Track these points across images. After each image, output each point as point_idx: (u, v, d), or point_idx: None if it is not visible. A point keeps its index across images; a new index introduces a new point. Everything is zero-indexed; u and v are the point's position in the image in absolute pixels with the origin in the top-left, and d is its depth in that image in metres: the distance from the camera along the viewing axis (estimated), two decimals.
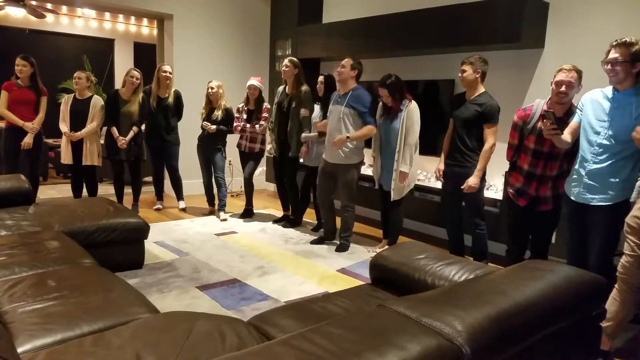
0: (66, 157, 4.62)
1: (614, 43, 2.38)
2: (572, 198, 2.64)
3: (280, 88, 4.71)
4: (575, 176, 2.63)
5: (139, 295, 2.06)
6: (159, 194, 5.25)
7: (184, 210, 5.17)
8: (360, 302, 2.06)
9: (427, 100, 4.56)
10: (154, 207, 5.17)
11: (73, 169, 4.74)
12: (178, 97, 4.97)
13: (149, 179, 6.28)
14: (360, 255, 3.98)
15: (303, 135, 4.40)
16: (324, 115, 4.25)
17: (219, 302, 2.90)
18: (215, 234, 4.36)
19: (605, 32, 3.51)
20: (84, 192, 4.86)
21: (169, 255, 3.71)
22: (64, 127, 4.59)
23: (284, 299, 2.99)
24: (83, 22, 8.20)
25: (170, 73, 4.87)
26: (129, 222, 3.26)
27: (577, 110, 2.67)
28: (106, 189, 5.99)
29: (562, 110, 2.82)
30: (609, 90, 2.51)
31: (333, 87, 4.36)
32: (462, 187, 3.41)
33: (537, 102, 2.96)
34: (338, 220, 4.22)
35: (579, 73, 2.74)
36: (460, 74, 3.44)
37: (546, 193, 2.94)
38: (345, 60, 3.90)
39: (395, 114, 3.81)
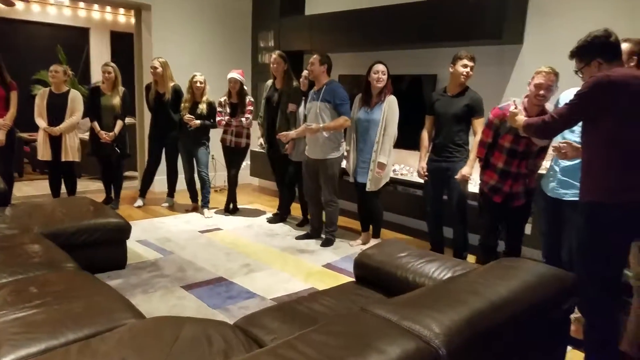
0: (44, 154, 4.54)
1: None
2: (547, 193, 2.76)
3: (269, 82, 4.68)
4: (550, 172, 2.76)
5: (123, 300, 2.04)
6: (171, 192, 5.19)
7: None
8: (345, 301, 2.09)
9: (411, 94, 4.58)
10: (135, 204, 5.10)
11: (51, 166, 4.65)
12: (176, 91, 4.88)
13: (130, 174, 6.23)
14: (345, 250, 4.01)
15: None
16: (305, 110, 4.24)
17: (205, 302, 2.90)
18: (199, 232, 4.33)
19: (583, 28, 3.45)
20: (63, 189, 4.77)
21: (152, 255, 3.68)
22: (41, 122, 4.49)
23: (270, 296, 3.01)
24: (56, 10, 7.88)
25: (156, 68, 4.78)
26: (111, 222, 3.22)
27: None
28: (86, 185, 5.91)
29: (537, 110, 2.86)
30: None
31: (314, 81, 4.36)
32: (455, 177, 3.48)
33: (513, 100, 2.99)
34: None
35: (557, 75, 2.80)
36: (467, 70, 3.46)
37: (519, 189, 3.02)
38: (313, 57, 3.91)
39: (375, 105, 3.84)
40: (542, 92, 2.77)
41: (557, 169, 2.70)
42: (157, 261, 3.55)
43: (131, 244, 3.59)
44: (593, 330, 2.28)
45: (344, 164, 4.15)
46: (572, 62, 2.38)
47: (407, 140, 4.17)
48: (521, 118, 2.44)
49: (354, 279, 2.41)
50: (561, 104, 2.66)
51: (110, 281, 3.05)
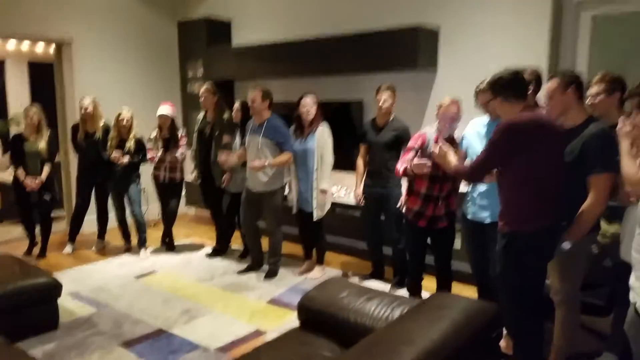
0: None
1: (479, 89, 2.80)
2: (469, 217, 2.98)
3: (200, 115, 4.62)
4: (469, 198, 2.98)
5: None
6: (102, 233, 4.97)
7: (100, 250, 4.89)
8: (292, 354, 2.10)
9: (340, 119, 4.70)
10: (64, 251, 4.82)
11: None
12: (107, 130, 4.68)
13: (56, 214, 5.89)
14: (290, 280, 4.02)
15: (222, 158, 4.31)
16: (243, 143, 4.22)
17: None
18: (135, 277, 4.15)
19: (489, 53, 3.89)
20: None
21: (86, 310, 3.48)
22: None
23: (214, 346, 2.94)
24: None
25: (87, 108, 4.59)
26: (39, 283, 3.04)
27: (463, 140, 3.02)
28: (7, 231, 5.51)
29: (451, 135, 3.10)
30: (484, 118, 2.90)
31: (248, 113, 4.35)
32: (397, 206, 3.59)
33: (428, 129, 3.19)
34: (264, 243, 4.23)
35: (459, 104, 3.03)
36: (381, 103, 3.65)
37: (441, 211, 3.17)
38: (255, 93, 3.90)
39: (308, 135, 3.92)
40: (448, 123, 3.02)
41: (474, 194, 2.93)
42: (92, 317, 3.36)
43: (63, 298, 3.34)
44: (521, 347, 2.46)
45: (286, 191, 4.18)
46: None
47: (340, 161, 4.28)
48: (452, 161, 2.54)
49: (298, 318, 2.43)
50: (468, 133, 2.96)
51: (42, 346, 2.88)
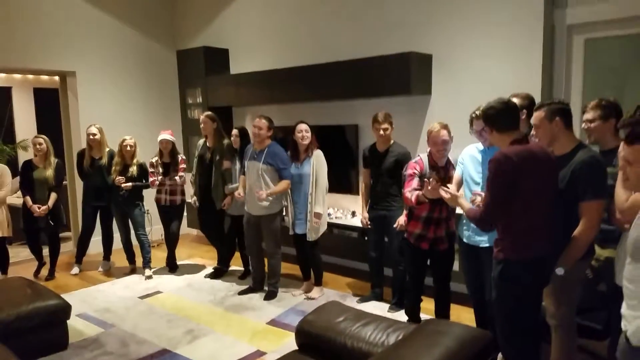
0: None
1: (473, 116, 2.84)
2: (465, 240, 3.03)
3: (201, 141, 4.81)
4: (464, 221, 3.02)
5: None
6: (107, 255, 5.17)
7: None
8: None
9: (336, 143, 4.89)
10: (72, 272, 5.00)
11: None
12: (112, 156, 4.90)
13: (63, 235, 6.06)
14: (289, 301, 4.16)
15: (229, 187, 4.52)
16: (242, 168, 4.40)
17: None
18: (139, 297, 4.32)
19: (481, 77, 4.02)
20: None
21: (93, 330, 3.65)
22: None
23: None
24: None
25: (94, 135, 4.84)
26: (50, 305, 3.19)
27: (459, 164, 3.09)
28: (17, 252, 5.67)
29: (443, 162, 3.23)
30: (479, 145, 2.95)
31: (247, 138, 4.57)
32: (394, 226, 3.72)
33: (423, 155, 3.29)
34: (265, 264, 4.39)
35: (448, 127, 3.16)
36: (382, 132, 3.79)
37: (442, 233, 3.27)
38: (261, 122, 4.10)
39: (304, 160, 4.11)
40: (440, 148, 3.15)
41: None
42: (99, 337, 3.52)
43: (71, 319, 3.52)
44: None
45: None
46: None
47: (337, 184, 4.43)
48: (464, 204, 2.60)
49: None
50: (464, 159, 3.04)
51: None
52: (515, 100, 2.70)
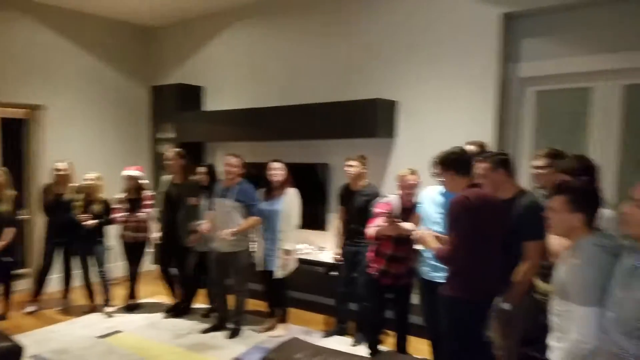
0: None
1: (434, 161, 2.97)
2: (422, 276, 3.23)
3: (165, 178, 4.80)
4: (422, 257, 3.24)
5: None
6: (66, 293, 5.01)
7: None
8: None
9: (307, 180, 4.97)
10: (27, 310, 4.80)
11: None
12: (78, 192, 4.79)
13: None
14: (253, 339, 4.12)
15: (195, 223, 4.48)
16: (210, 205, 4.39)
17: None
18: (98, 337, 4.17)
19: (442, 124, 4.26)
20: None
21: None
22: None
23: None
24: None
25: (63, 170, 4.76)
26: (1, 348, 3.05)
27: (419, 205, 3.31)
28: None
29: (411, 204, 3.43)
30: (439, 187, 3.13)
31: (215, 175, 4.58)
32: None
33: (393, 197, 3.50)
34: (229, 302, 4.34)
35: (417, 173, 3.40)
36: (347, 168, 3.98)
37: (402, 270, 3.45)
38: (235, 159, 4.18)
39: (277, 197, 4.15)
40: (408, 191, 3.39)
41: (427, 254, 3.16)
42: None
43: None
44: None
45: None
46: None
47: (307, 221, 4.50)
48: (433, 243, 2.73)
49: None
50: (424, 200, 3.25)
51: None
52: (470, 147, 3.01)
